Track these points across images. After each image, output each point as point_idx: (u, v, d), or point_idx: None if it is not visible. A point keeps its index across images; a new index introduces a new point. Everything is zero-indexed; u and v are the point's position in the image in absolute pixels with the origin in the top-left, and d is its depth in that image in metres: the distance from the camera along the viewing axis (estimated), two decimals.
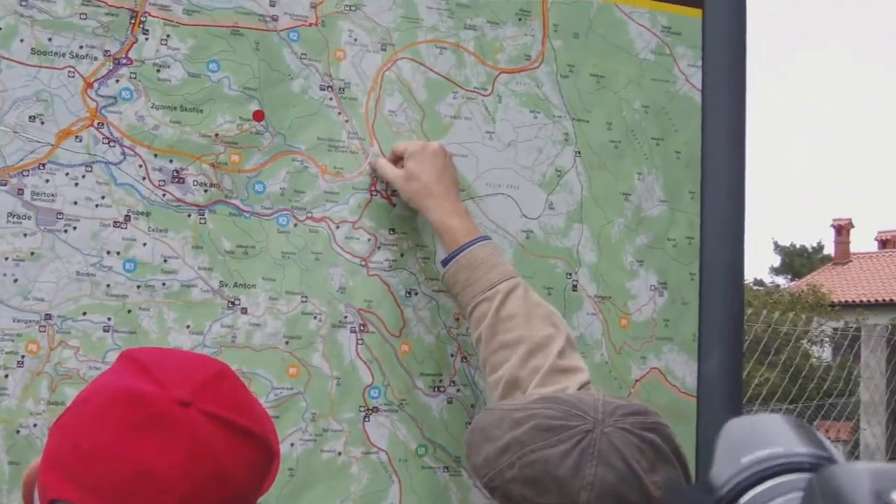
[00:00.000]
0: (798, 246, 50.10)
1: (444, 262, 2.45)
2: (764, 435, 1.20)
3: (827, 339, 15.98)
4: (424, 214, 2.47)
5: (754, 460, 1.16)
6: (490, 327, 2.36)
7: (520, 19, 2.70)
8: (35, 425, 2.20)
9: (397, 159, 2.51)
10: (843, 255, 42.78)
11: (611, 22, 2.80)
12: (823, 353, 16.44)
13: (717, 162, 2.87)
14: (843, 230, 43.80)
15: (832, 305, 26.16)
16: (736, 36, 2.93)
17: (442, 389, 2.54)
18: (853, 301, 33.45)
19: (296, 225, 2.43)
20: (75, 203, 2.26)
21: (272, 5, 2.45)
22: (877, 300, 34.31)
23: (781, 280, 44.85)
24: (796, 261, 48.38)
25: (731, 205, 2.87)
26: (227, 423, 1.61)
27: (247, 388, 1.74)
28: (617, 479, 1.78)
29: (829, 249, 46.36)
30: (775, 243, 49.78)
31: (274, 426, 1.74)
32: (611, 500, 1.77)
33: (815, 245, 49.96)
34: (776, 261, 49.75)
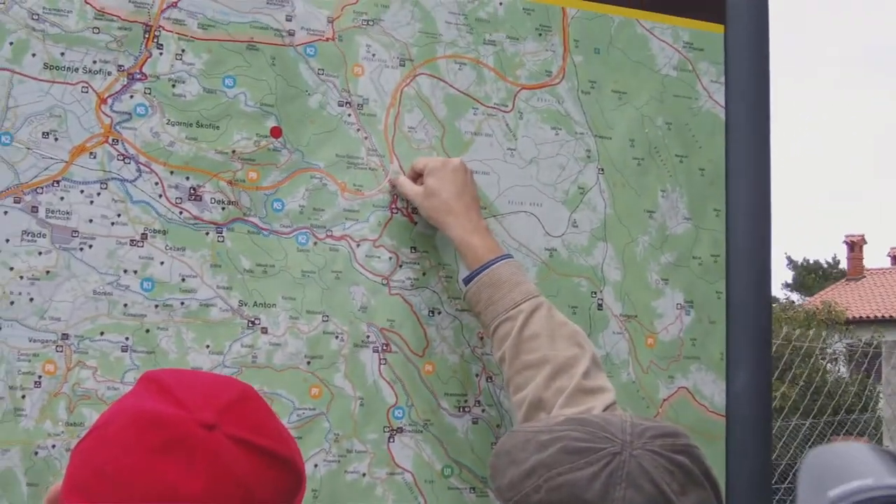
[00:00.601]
0: (811, 262, 49.97)
1: (467, 281, 2.41)
2: (850, 466, 1.14)
3: (842, 356, 15.94)
4: (445, 232, 2.44)
5: (843, 494, 1.10)
6: (513, 347, 2.32)
7: (540, 34, 2.66)
8: (54, 446, 2.17)
9: (417, 176, 2.47)
10: (857, 270, 42.73)
11: (632, 37, 2.77)
12: (839, 370, 16.41)
13: (741, 179, 2.83)
14: (855, 246, 43.75)
15: (847, 323, 26.08)
16: (758, 51, 2.90)
17: (467, 409, 2.50)
18: (867, 317, 33.38)
19: (315, 243, 2.40)
20: (90, 221, 2.23)
21: (288, 20, 2.42)
22: (891, 316, 34.24)
23: (795, 296, 44.74)
24: (809, 277, 48.26)
25: (757, 222, 2.83)
26: (252, 446, 1.58)
27: (271, 410, 1.70)
28: (646, 502, 1.73)
29: (845, 265, 46.28)
30: (788, 258, 49.59)
31: (298, 448, 1.70)
32: None
33: (829, 261, 49.81)
34: (788, 276, 49.62)
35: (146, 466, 1.53)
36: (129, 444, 1.55)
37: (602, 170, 2.70)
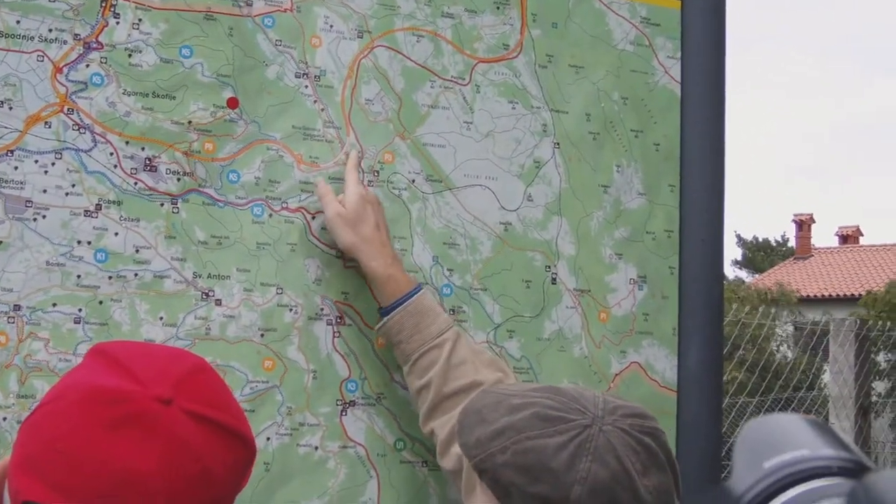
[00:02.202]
0: (761, 240, 50.22)
1: (388, 311, 2.40)
2: (786, 437, 1.15)
3: (790, 337, 16.07)
4: (366, 262, 2.39)
5: (778, 465, 1.11)
6: (442, 374, 2.35)
7: (498, 8, 2.66)
8: (4, 419, 2.15)
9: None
10: (805, 249, 43.03)
11: (590, 12, 2.77)
12: (786, 355, 16.54)
13: (696, 155, 2.84)
14: (804, 225, 44.05)
15: (798, 301, 26.26)
16: (715, 28, 2.91)
17: None
18: (814, 296, 33.64)
19: (271, 215, 2.39)
20: (45, 191, 2.21)
21: None
22: (837, 295, 34.52)
23: (744, 274, 45.01)
24: (758, 255, 48.50)
25: (711, 198, 2.85)
26: (208, 420, 1.58)
27: (224, 382, 1.70)
28: (610, 477, 1.78)
29: (794, 243, 46.59)
30: (738, 236, 49.81)
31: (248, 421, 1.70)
32: (602, 498, 1.76)
33: (778, 239, 50.09)
34: (738, 254, 49.86)
35: (100, 443, 1.52)
36: (81, 420, 1.54)
37: (558, 144, 2.70)
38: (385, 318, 2.40)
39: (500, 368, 2.42)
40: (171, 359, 1.66)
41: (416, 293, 2.40)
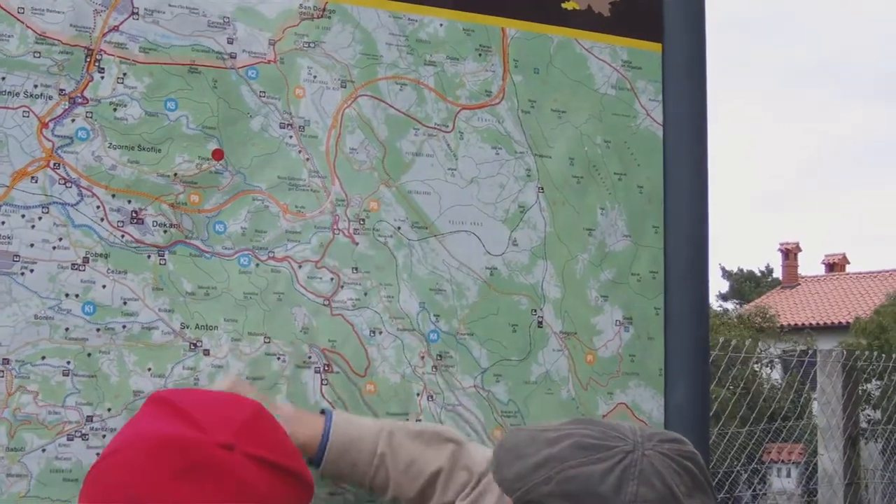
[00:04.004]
0: (746, 271, 50.33)
1: (318, 459, 2.28)
2: None
3: (777, 360, 16.08)
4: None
5: None
6: (399, 486, 2.35)
7: (480, 55, 2.68)
8: None
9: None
10: (791, 278, 43.14)
11: (571, 57, 2.79)
12: (773, 374, 16.55)
13: (679, 196, 2.86)
14: (790, 254, 44.17)
15: (781, 328, 26.32)
16: (696, 70, 2.93)
17: None
18: (802, 324, 33.68)
19: (257, 265, 2.40)
20: (32, 245, 2.22)
21: (230, 42, 2.42)
22: (825, 323, 34.58)
23: (730, 305, 45.05)
24: (745, 286, 48.60)
25: (695, 239, 2.86)
26: (270, 464, 1.62)
27: (279, 424, 1.74)
28: (657, 499, 1.80)
29: (779, 274, 46.70)
30: (723, 269, 49.97)
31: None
32: None
33: (763, 269, 50.20)
34: (723, 286, 49.96)
35: (170, 491, 1.55)
36: (151, 470, 1.58)
37: (542, 188, 2.72)
38: (321, 466, 2.29)
39: (446, 438, 2.40)
40: (229, 405, 1.70)
41: (329, 425, 2.31)
